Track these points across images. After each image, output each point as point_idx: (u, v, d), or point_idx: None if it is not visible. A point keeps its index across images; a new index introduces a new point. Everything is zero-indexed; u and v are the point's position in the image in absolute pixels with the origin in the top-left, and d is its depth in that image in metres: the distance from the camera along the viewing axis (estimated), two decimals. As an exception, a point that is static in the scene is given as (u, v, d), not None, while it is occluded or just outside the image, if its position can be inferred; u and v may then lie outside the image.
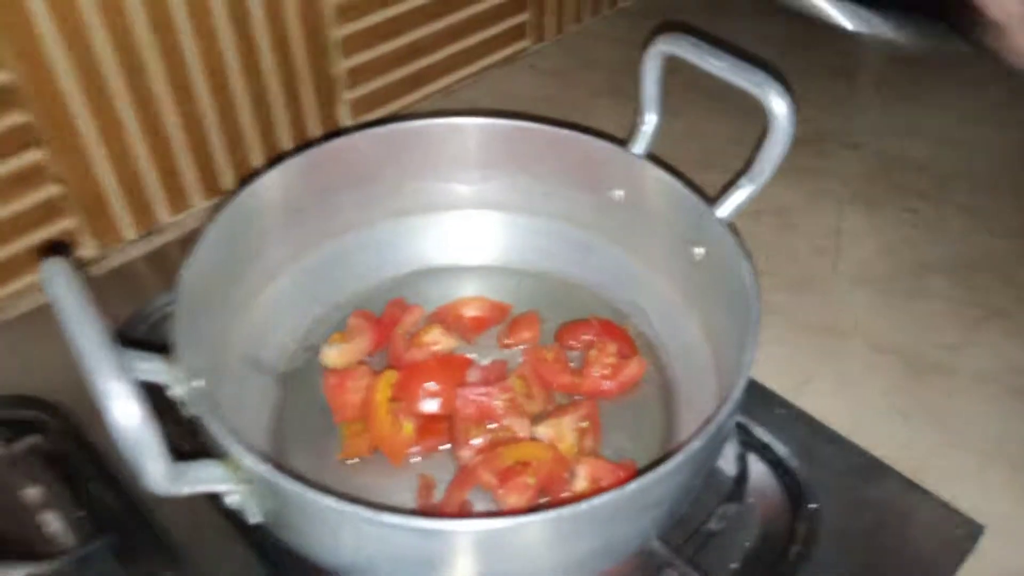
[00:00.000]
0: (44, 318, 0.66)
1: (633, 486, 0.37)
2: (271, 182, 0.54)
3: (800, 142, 0.53)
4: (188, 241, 0.74)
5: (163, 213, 0.75)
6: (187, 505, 0.52)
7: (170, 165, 0.73)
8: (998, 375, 0.64)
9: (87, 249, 0.71)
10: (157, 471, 0.34)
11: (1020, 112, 0.93)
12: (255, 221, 0.54)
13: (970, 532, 0.53)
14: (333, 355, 0.58)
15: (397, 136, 0.59)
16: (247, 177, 0.78)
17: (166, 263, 0.73)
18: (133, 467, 0.34)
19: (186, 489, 0.37)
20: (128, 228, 0.74)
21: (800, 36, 1.03)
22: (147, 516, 0.52)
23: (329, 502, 0.36)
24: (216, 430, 0.39)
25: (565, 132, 0.59)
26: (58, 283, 0.35)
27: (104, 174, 0.69)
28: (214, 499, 0.52)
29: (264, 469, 0.37)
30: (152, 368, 0.41)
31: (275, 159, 0.79)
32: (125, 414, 0.32)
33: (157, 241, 0.75)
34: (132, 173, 0.71)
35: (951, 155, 0.84)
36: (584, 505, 0.37)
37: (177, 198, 0.75)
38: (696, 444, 0.39)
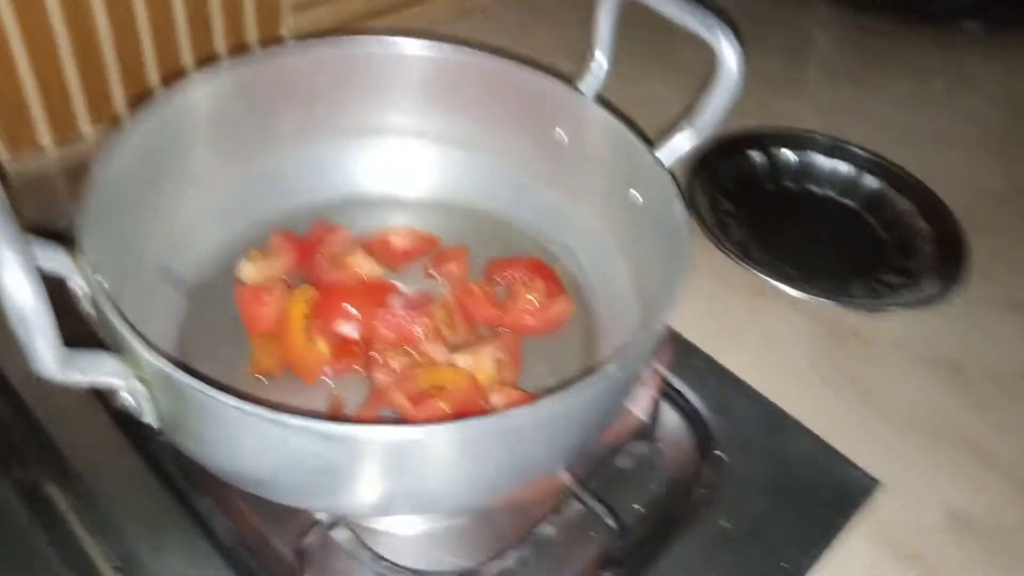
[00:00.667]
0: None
1: (547, 403, 0.37)
2: (201, 85, 0.52)
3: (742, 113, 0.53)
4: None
5: (84, 122, 0.72)
6: (76, 413, 0.50)
7: (96, 72, 0.70)
8: (913, 344, 0.66)
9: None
10: (47, 353, 0.33)
11: (962, 101, 0.96)
12: (180, 124, 0.52)
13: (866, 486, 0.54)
14: (250, 270, 0.56)
15: (340, 54, 0.57)
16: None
17: (83, 175, 0.70)
18: (22, 345, 0.32)
19: (77, 377, 0.35)
20: (45, 135, 0.70)
21: (754, 14, 1.04)
22: (35, 422, 0.50)
23: (231, 402, 0.35)
24: (115, 322, 0.37)
25: (515, 65, 0.58)
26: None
27: (25, 75, 0.66)
28: (106, 407, 0.51)
29: (164, 364, 0.36)
30: (51, 256, 0.39)
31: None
32: (17, 285, 0.31)
33: (76, 151, 0.72)
34: (54, 76, 0.67)
35: (888, 137, 0.86)
36: (495, 418, 0.36)
37: (101, 107, 0.72)
38: (611, 367, 0.38)
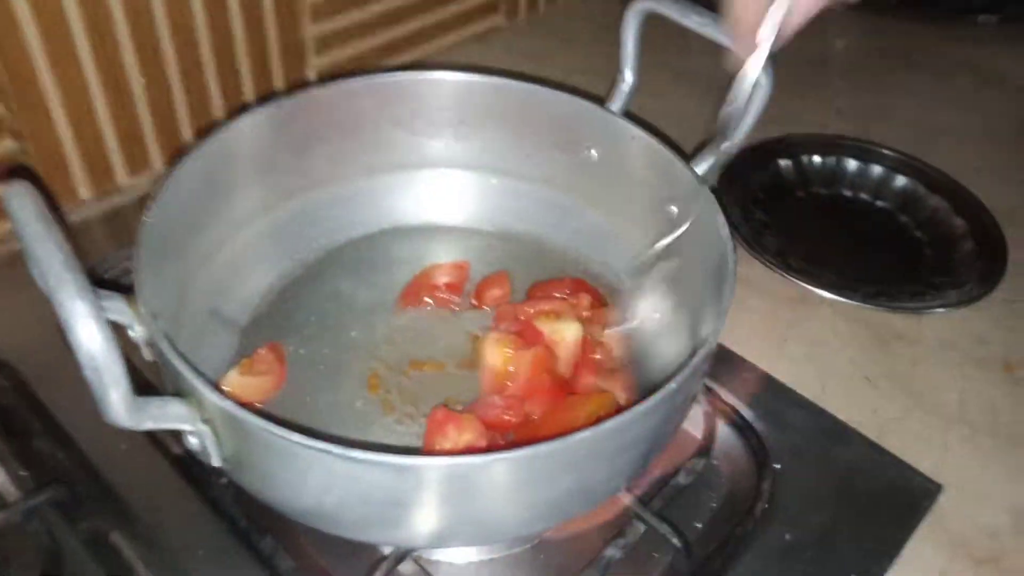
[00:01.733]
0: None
1: (609, 424, 0.37)
2: (241, 130, 0.53)
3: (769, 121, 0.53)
4: (146, 202, 0.73)
5: (121, 174, 0.73)
6: (138, 460, 0.51)
7: (131, 126, 0.71)
8: (960, 343, 0.65)
9: (43, 206, 0.69)
10: (119, 401, 0.33)
11: (984, 95, 0.95)
12: (223, 169, 0.53)
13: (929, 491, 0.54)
14: (234, 381, 0.53)
15: (372, 89, 0.58)
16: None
17: (122, 223, 0.72)
18: (95, 394, 0.33)
19: (147, 424, 0.36)
20: (84, 187, 0.71)
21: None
22: (96, 472, 0.50)
23: (297, 438, 0.35)
24: (179, 367, 0.37)
25: (543, 88, 0.58)
26: (23, 204, 0.33)
27: (63, 131, 0.67)
28: (163, 452, 0.51)
29: (228, 404, 0.36)
30: (114, 307, 0.40)
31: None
32: (90, 336, 0.31)
33: (114, 202, 0.73)
34: (92, 132, 0.69)
35: (915, 136, 0.85)
36: (558, 443, 0.36)
37: (137, 160, 0.73)
38: (672, 385, 0.38)
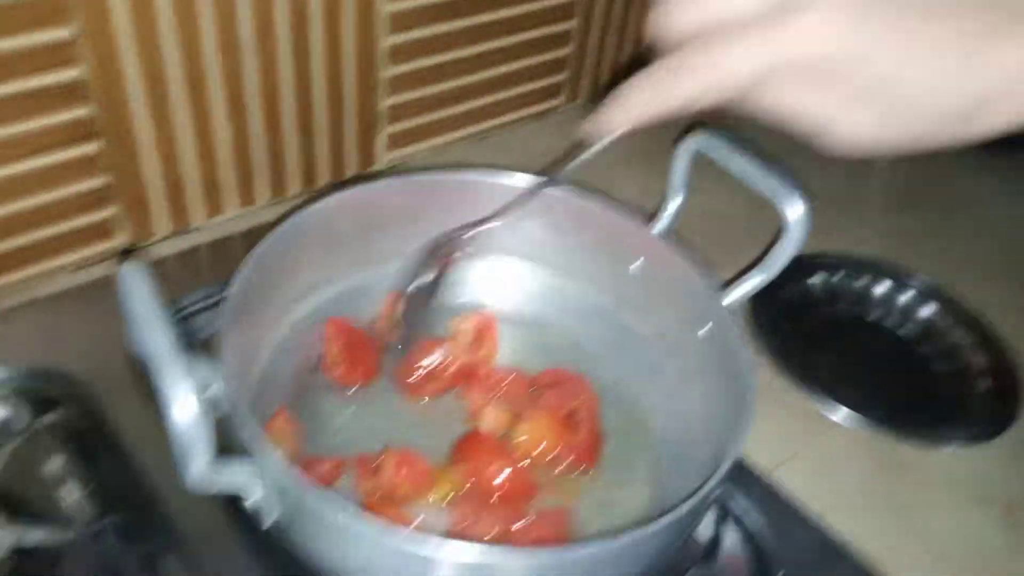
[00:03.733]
0: (73, 298, 0.70)
1: (622, 540, 0.41)
2: (319, 210, 0.58)
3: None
4: (218, 244, 0.79)
5: (199, 215, 0.79)
6: (193, 494, 0.55)
7: (212, 173, 0.77)
8: (964, 481, 0.68)
9: (122, 238, 0.75)
10: (200, 468, 0.38)
11: (1019, 234, 0.98)
12: (296, 246, 0.58)
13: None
14: None
15: (438, 184, 0.63)
16: (283, 193, 0.83)
17: (194, 263, 0.77)
18: (180, 462, 0.38)
19: (218, 487, 0.40)
20: (163, 225, 0.77)
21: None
22: (155, 500, 0.55)
23: (347, 515, 0.40)
24: (251, 433, 0.42)
25: (594, 202, 0.63)
26: (137, 287, 0.38)
27: (151, 172, 0.73)
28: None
29: (293, 475, 0.41)
30: (199, 368, 0.45)
31: (318, 192, 0.84)
32: (185, 414, 0.36)
33: (189, 241, 0.79)
34: (176, 175, 0.75)
35: (947, 266, 0.89)
36: (572, 551, 0.40)
37: (213, 203, 0.79)
38: (684, 508, 0.42)
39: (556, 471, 0.60)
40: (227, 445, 0.49)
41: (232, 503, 0.55)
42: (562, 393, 0.63)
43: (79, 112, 0.66)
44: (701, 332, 0.58)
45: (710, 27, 0.35)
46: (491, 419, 0.61)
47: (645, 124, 0.41)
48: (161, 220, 0.77)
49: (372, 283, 0.66)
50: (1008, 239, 0.97)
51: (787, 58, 0.33)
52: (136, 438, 0.58)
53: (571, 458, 0.60)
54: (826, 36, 0.33)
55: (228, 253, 0.78)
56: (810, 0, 0.33)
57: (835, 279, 0.86)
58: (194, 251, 0.78)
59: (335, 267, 0.63)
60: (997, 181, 1.07)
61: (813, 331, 0.81)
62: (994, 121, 0.33)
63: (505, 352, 0.68)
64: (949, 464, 0.69)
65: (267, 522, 0.45)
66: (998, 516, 0.66)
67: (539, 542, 0.52)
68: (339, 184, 0.60)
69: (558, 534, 0.54)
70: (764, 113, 0.36)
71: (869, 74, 0.33)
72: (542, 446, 0.60)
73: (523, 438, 0.60)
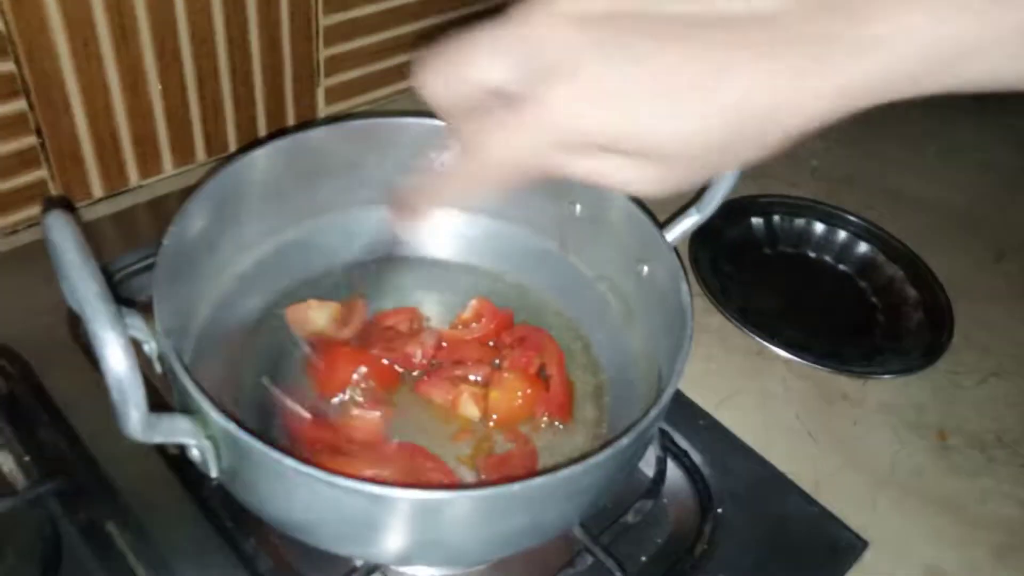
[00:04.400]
0: (7, 263, 0.68)
1: (565, 472, 0.41)
2: (253, 161, 0.57)
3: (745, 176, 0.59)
4: (155, 205, 0.77)
5: (133, 175, 0.77)
6: (135, 457, 0.55)
7: (146, 129, 0.75)
8: (899, 409, 0.71)
9: (57, 201, 0.73)
10: (137, 418, 0.38)
11: (951, 169, 1.01)
12: (235, 197, 0.57)
13: (855, 546, 0.59)
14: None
15: (377, 130, 0.62)
16: (222, 148, 0.81)
17: (131, 223, 0.76)
18: (117, 412, 0.37)
19: (158, 438, 0.40)
20: (97, 185, 0.76)
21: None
22: (96, 464, 0.55)
23: (290, 462, 0.40)
24: (188, 387, 0.42)
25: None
26: (63, 234, 0.37)
27: (82, 131, 0.71)
28: (162, 453, 0.56)
29: (232, 427, 0.41)
30: (133, 323, 0.44)
31: (255, 141, 0.83)
32: (118, 361, 0.35)
33: (124, 202, 0.77)
34: (109, 133, 0.73)
35: (881, 204, 0.91)
36: (518, 486, 0.41)
37: (149, 162, 0.78)
38: (625, 441, 0.43)
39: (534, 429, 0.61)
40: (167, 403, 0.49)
41: (176, 464, 0.55)
42: (527, 349, 0.63)
43: (2, 67, 0.64)
44: (643, 270, 0.59)
45: (475, 96, 0.35)
46: (468, 406, 0.60)
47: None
48: (95, 180, 0.75)
49: (315, 235, 0.65)
50: (937, 178, 1.00)
51: (551, 139, 0.34)
52: (74, 404, 0.58)
53: (545, 415, 0.61)
54: (580, 113, 0.32)
55: (166, 213, 0.76)
56: (559, 68, 0.32)
57: (775, 220, 0.87)
58: (131, 211, 0.77)
59: (277, 218, 0.62)
60: (929, 119, 1.09)
61: (755, 270, 0.83)
62: (794, 124, 0.33)
63: (453, 305, 0.68)
64: (884, 394, 0.72)
65: (212, 473, 0.44)
66: (932, 441, 0.69)
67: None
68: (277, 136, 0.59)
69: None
70: (574, 178, 0.36)
71: (635, 137, 0.33)
72: (518, 403, 0.60)
73: (496, 411, 0.60)
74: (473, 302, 0.67)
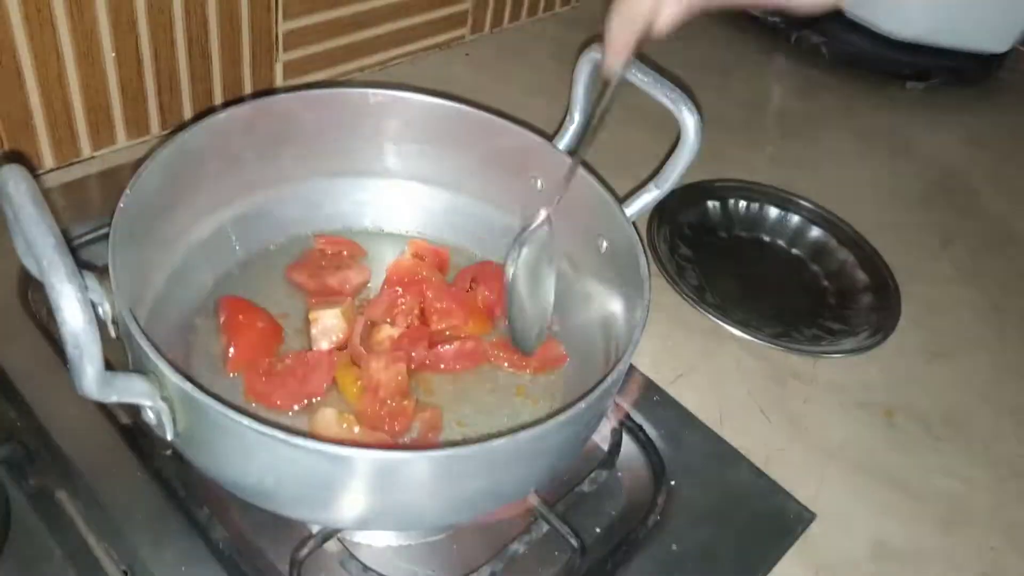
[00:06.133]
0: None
1: (521, 436, 0.42)
2: (211, 128, 0.56)
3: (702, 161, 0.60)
4: (107, 176, 0.76)
5: (86, 146, 0.76)
6: (87, 425, 0.54)
7: (99, 99, 0.74)
8: (848, 387, 0.72)
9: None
10: (92, 375, 0.37)
11: (901, 159, 1.04)
12: (192, 163, 0.56)
13: (803, 518, 0.61)
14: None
15: (339, 101, 0.62)
16: (177, 122, 0.80)
17: (83, 195, 0.74)
18: (72, 367, 0.37)
19: (113, 397, 0.40)
20: (48, 155, 0.74)
21: (718, 64, 1.12)
22: (46, 433, 0.54)
23: (247, 421, 0.39)
24: (145, 347, 0.41)
25: (498, 120, 0.63)
26: (18, 188, 0.37)
27: (33, 99, 0.69)
28: (114, 421, 0.55)
29: (189, 387, 0.40)
30: (89, 286, 0.43)
31: (208, 110, 0.81)
32: (75, 316, 0.35)
33: (77, 172, 0.75)
34: (61, 102, 0.71)
35: (833, 191, 0.93)
36: (475, 448, 0.41)
37: (102, 133, 0.76)
38: (583, 405, 0.44)
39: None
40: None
41: (129, 432, 0.54)
42: (492, 285, 0.65)
43: (-52, 30, 0.62)
44: (603, 245, 0.59)
45: None
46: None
47: (636, 48, 0.51)
48: (46, 150, 0.73)
49: (272, 206, 0.65)
50: (885, 166, 1.02)
51: None
52: (24, 372, 0.56)
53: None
54: None
55: (119, 185, 0.74)
56: None
57: (731, 204, 0.89)
58: (82, 182, 0.75)
59: (234, 188, 0.61)
60: (881, 111, 1.12)
61: (711, 253, 0.84)
62: None
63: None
64: (834, 373, 0.73)
65: (167, 436, 0.44)
66: (880, 419, 0.71)
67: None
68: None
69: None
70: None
71: None
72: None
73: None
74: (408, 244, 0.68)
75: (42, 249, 0.35)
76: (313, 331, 0.60)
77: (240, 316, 0.59)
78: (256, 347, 0.58)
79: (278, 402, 0.56)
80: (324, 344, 0.60)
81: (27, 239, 0.36)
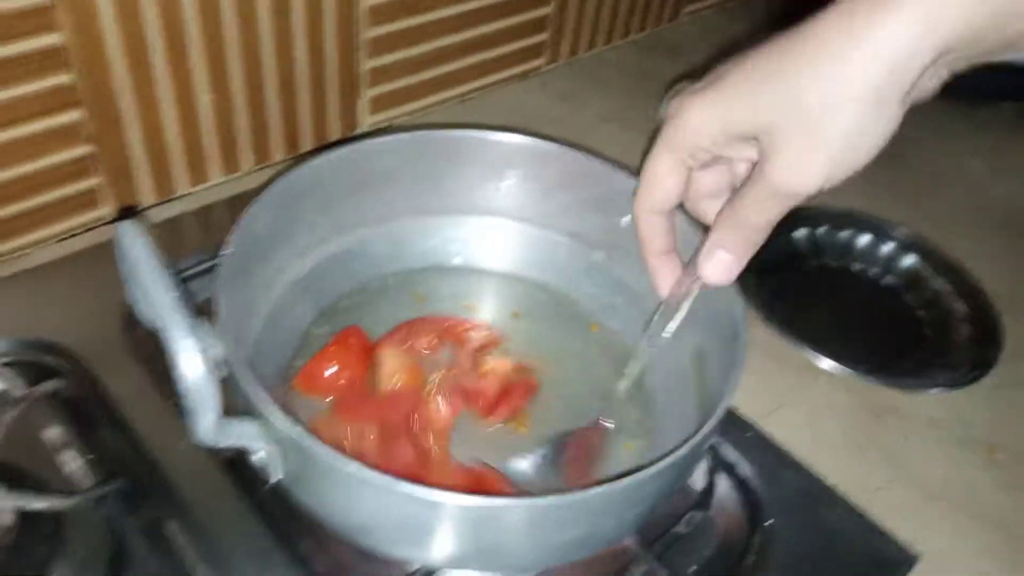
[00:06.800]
0: (62, 268, 0.70)
1: (620, 484, 0.42)
2: (304, 174, 0.58)
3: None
4: (203, 212, 0.78)
5: (183, 183, 0.79)
6: (192, 459, 0.56)
7: (195, 140, 0.77)
8: (947, 424, 0.70)
9: (107, 208, 0.75)
10: (210, 424, 0.38)
11: (997, 182, 1.00)
12: (287, 209, 0.58)
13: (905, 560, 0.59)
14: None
15: (426, 142, 0.63)
16: (265, 160, 0.83)
17: (179, 231, 0.77)
18: (189, 417, 0.38)
19: (226, 443, 0.41)
20: (148, 194, 0.77)
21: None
22: (155, 466, 0.55)
23: (358, 469, 0.40)
24: (254, 393, 0.42)
25: (583, 156, 0.63)
26: (135, 243, 0.38)
27: (134, 140, 0.73)
28: (217, 455, 0.56)
29: (297, 432, 0.41)
30: (203, 334, 0.45)
31: (308, 152, 0.84)
32: (194, 369, 0.36)
33: (174, 210, 0.78)
34: (159, 143, 0.74)
35: (927, 217, 0.90)
36: (573, 496, 0.41)
37: (197, 171, 0.79)
38: (681, 451, 0.43)
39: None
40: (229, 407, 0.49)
41: (232, 466, 0.56)
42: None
43: (59, 79, 0.65)
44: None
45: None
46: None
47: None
48: (145, 188, 0.76)
49: (365, 245, 0.66)
50: (983, 189, 0.99)
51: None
52: (133, 405, 0.59)
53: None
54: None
55: (213, 221, 0.77)
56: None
57: (819, 232, 0.87)
58: (179, 219, 0.78)
59: (328, 228, 0.63)
60: (974, 133, 1.08)
61: (799, 283, 0.82)
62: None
63: (504, 315, 0.68)
64: (933, 408, 0.71)
65: (273, 478, 0.45)
66: (981, 456, 0.68)
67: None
68: (324, 148, 0.60)
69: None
70: None
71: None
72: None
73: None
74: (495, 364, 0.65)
75: (160, 307, 0.36)
76: (380, 372, 0.61)
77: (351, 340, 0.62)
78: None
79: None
80: (387, 386, 0.61)
81: (144, 294, 0.37)
